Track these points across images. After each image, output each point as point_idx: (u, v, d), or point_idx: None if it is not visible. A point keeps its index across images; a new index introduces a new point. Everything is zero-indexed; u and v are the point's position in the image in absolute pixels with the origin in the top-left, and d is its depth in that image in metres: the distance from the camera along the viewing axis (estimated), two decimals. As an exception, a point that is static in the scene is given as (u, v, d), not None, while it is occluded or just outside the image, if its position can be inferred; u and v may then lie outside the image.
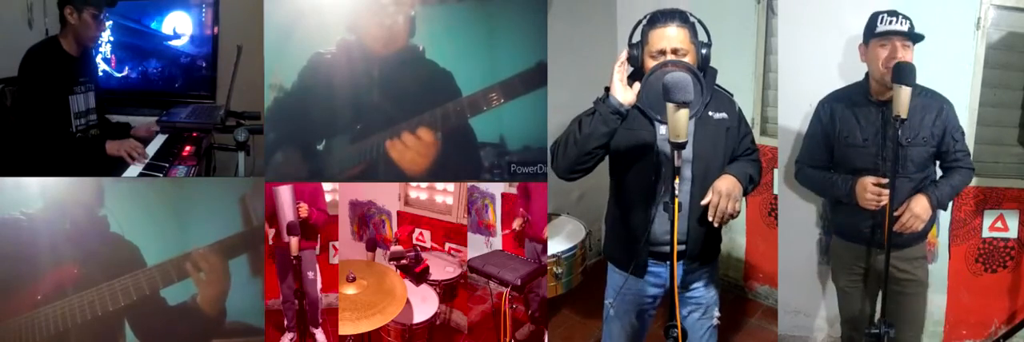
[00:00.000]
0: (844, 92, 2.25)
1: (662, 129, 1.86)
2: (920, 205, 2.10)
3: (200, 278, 2.14)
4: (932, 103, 2.13)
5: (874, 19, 2.10)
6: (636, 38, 1.85)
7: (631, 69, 1.85)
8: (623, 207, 1.96)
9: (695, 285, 2.01)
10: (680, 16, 1.82)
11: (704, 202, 1.83)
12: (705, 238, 1.94)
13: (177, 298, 2.17)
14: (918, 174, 2.14)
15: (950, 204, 2.22)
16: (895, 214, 2.10)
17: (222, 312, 2.21)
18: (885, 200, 2.06)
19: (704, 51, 1.83)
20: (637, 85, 1.77)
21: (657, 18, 1.82)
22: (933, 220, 2.22)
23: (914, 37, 2.06)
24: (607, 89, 1.91)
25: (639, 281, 1.99)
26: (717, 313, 2.06)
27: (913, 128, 2.10)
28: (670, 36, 1.80)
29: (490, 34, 2.32)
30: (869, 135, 2.14)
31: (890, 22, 2.06)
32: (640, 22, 1.85)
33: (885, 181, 2.06)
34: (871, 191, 2.08)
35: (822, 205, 2.64)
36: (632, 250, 1.93)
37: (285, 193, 2.38)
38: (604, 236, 2.15)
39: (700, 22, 1.85)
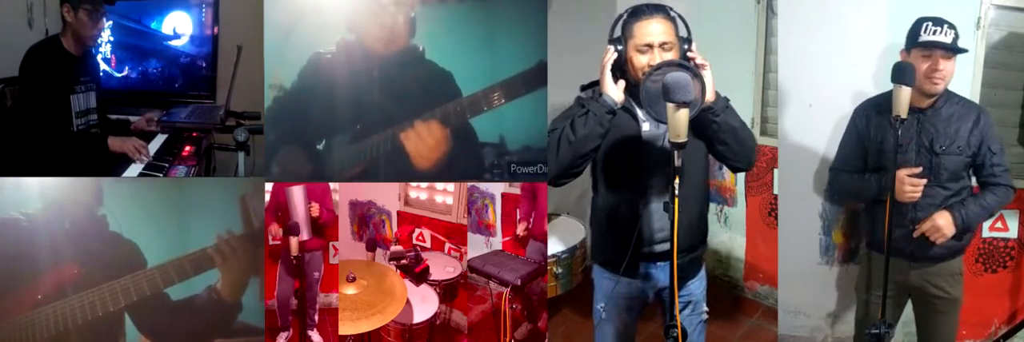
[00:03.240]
0: (880, 99, 2.24)
1: (646, 126, 1.86)
2: (944, 219, 2.11)
3: (226, 263, 2.12)
4: (968, 112, 2.11)
5: (918, 26, 2.06)
6: (617, 33, 1.84)
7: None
8: (614, 208, 1.94)
9: (686, 282, 2.00)
10: (663, 10, 1.82)
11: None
12: (693, 232, 1.94)
13: (180, 293, 2.16)
14: (953, 183, 2.13)
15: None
16: (917, 225, 2.12)
17: (238, 302, 2.19)
18: (920, 193, 2.06)
19: (684, 46, 1.82)
20: (622, 82, 1.78)
21: (642, 11, 1.82)
22: (968, 239, 2.21)
23: (957, 50, 2.04)
24: (583, 87, 1.91)
25: (633, 283, 1.97)
26: (705, 308, 2.06)
27: (948, 136, 2.09)
28: (657, 30, 1.79)
29: (490, 34, 2.32)
30: (903, 141, 2.10)
31: (934, 32, 2.03)
32: (621, 16, 1.85)
33: (919, 170, 2.06)
34: (907, 183, 2.06)
35: (822, 205, 2.64)
36: (627, 252, 1.90)
37: (298, 193, 2.38)
38: (593, 241, 2.10)
39: (680, 17, 1.85)
